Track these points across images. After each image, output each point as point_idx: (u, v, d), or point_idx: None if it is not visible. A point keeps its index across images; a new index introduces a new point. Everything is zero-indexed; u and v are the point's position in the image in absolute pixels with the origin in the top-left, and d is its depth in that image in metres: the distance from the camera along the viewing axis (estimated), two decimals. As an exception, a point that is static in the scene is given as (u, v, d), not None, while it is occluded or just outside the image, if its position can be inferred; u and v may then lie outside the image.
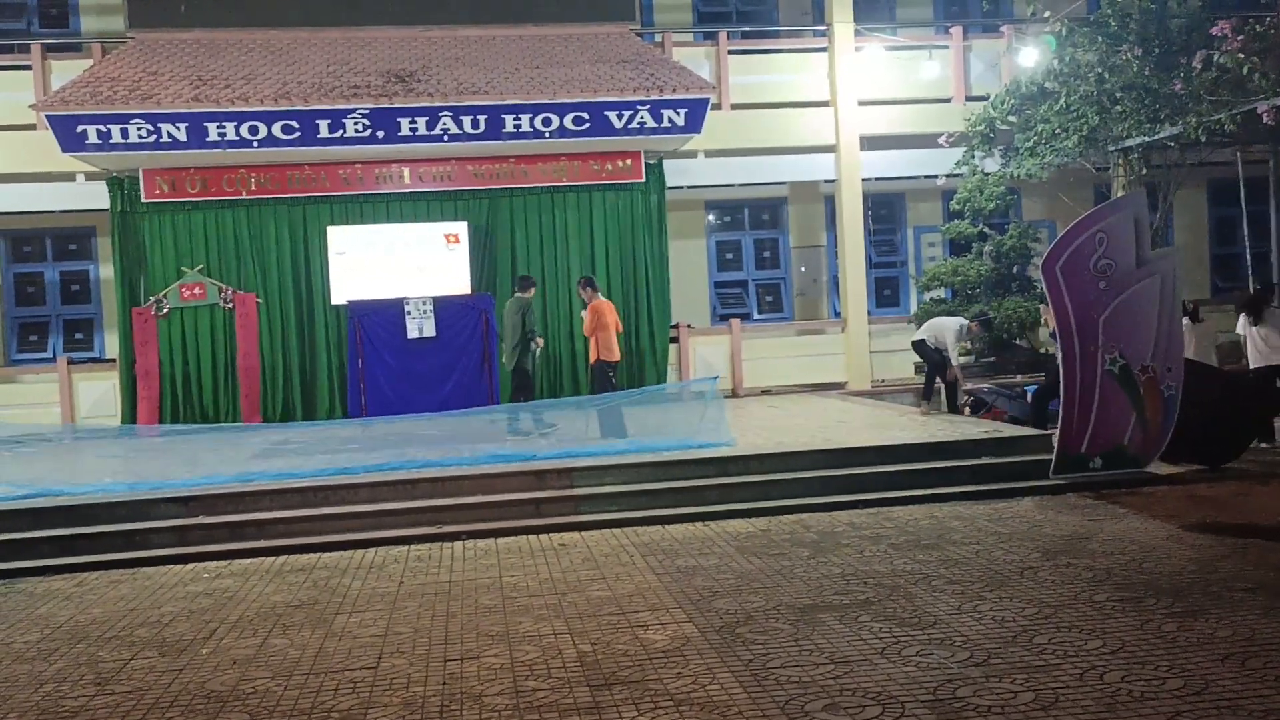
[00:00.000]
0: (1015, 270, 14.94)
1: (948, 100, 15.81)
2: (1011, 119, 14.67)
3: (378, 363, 13.30)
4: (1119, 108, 12.95)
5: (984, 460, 9.47)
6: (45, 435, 12.89)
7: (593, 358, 11.67)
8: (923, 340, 12.67)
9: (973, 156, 14.98)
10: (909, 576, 6.51)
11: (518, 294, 11.97)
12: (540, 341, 12.00)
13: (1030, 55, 14.35)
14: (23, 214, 14.83)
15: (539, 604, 6.37)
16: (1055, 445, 9.30)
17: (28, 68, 14.16)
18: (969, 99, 15.69)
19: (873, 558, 7.06)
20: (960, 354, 14.61)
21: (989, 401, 12.31)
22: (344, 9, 14.77)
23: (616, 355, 11.69)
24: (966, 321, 12.60)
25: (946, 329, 12.43)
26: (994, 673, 4.76)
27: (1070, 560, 6.72)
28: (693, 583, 6.67)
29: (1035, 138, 14.12)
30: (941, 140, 15.29)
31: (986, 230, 15.09)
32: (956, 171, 15.20)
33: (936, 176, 15.95)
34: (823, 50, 15.66)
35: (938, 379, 12.64)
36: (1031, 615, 5.58)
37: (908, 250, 17.53)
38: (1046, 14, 13.95)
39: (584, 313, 11.95)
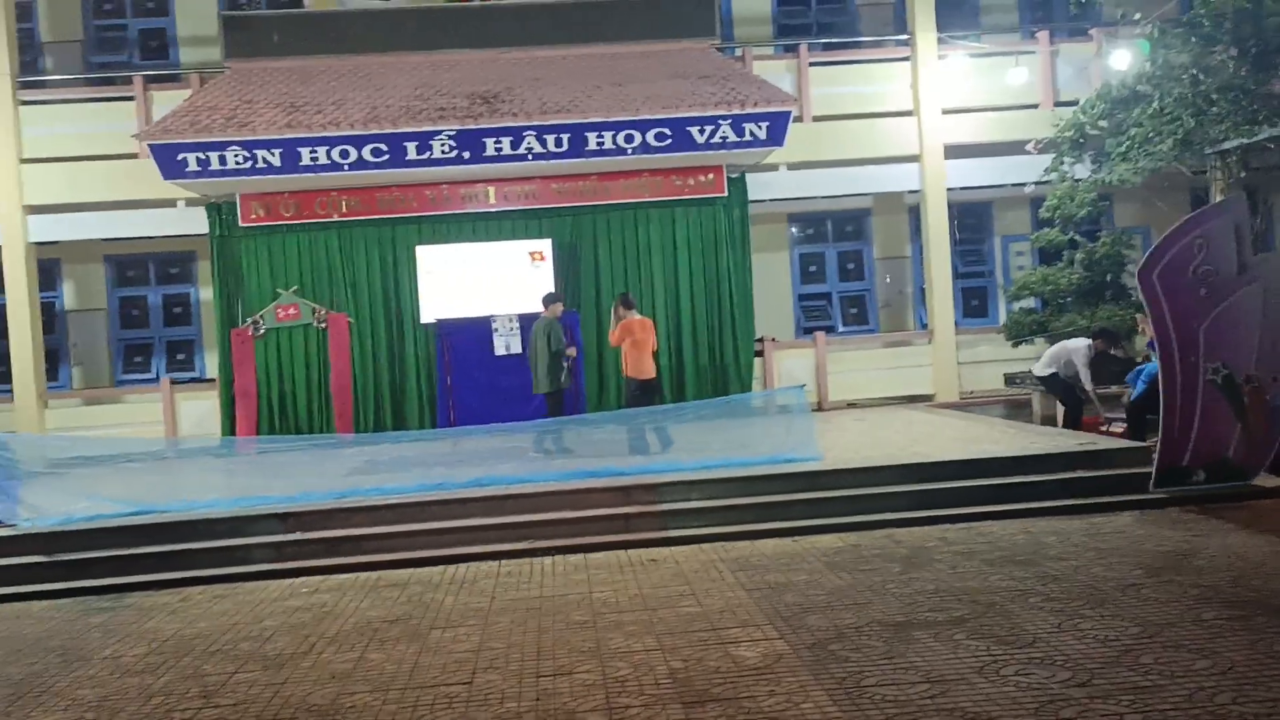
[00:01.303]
0: (1109, 278, 14.56)
1: (1035, 106, 15.52)
2: (1102, 124, 14.36)
3: (466, 380, 13.53)
4: (1215, 109, 12.58)
5: (1079, 474, 9.23)
6: (148, 452, 13.29)
7: (624, 370, 11.64)
8: (1054, 374, 12.13)
9: (1062, 163, 14.69)
10: (1005, 593, 6.38)
11: (543, 314, 11.83)
12: (572, 352, 11.78)
13: (1122, 58, 14.03)
14: (127, 240, 15.43)
15: (629, 620, 6.39)
16: (1155, 458, 9.04)
17: (130, 99, 14.74)
18: (1057, 104, 15.41)
19: (966, 574, 6.94)
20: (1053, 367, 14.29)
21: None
22: (429, 34, 15.09)
23: (644, 373, 11.48)
24: (1090, 340, 12.05)
25: (1075, 353, 11.91)
26: (1098, 694, 4.64)
27: (1174, 577, 6.53)
28: (783, 599, 6.63)
29: (1128, 142, 13.79)
30: (1029, 147, 15.03)
31: (1077, 238, 14.75)
32: (1045, 179, 14.90)
33: (1024, 184, 15.65)
34: (905, 59, 15.51)
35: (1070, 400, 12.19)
36: (1135, 634, 5.43)
37: (995, 260, 17.24)
38: (1137, 16, 13.64)
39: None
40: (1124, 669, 4.94)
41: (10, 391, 14.52)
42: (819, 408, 14.82)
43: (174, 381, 14.93)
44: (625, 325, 11.49)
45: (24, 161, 14.48)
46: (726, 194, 14.63)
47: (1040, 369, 12.45)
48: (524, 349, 13.26)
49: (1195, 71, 12.60)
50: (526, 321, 13.40)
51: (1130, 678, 4.82)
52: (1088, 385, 11.90)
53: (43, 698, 5.65)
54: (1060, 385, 12.19)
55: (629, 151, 13.53)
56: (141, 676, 5.93)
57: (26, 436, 13.31)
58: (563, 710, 4.92)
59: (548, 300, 11.87)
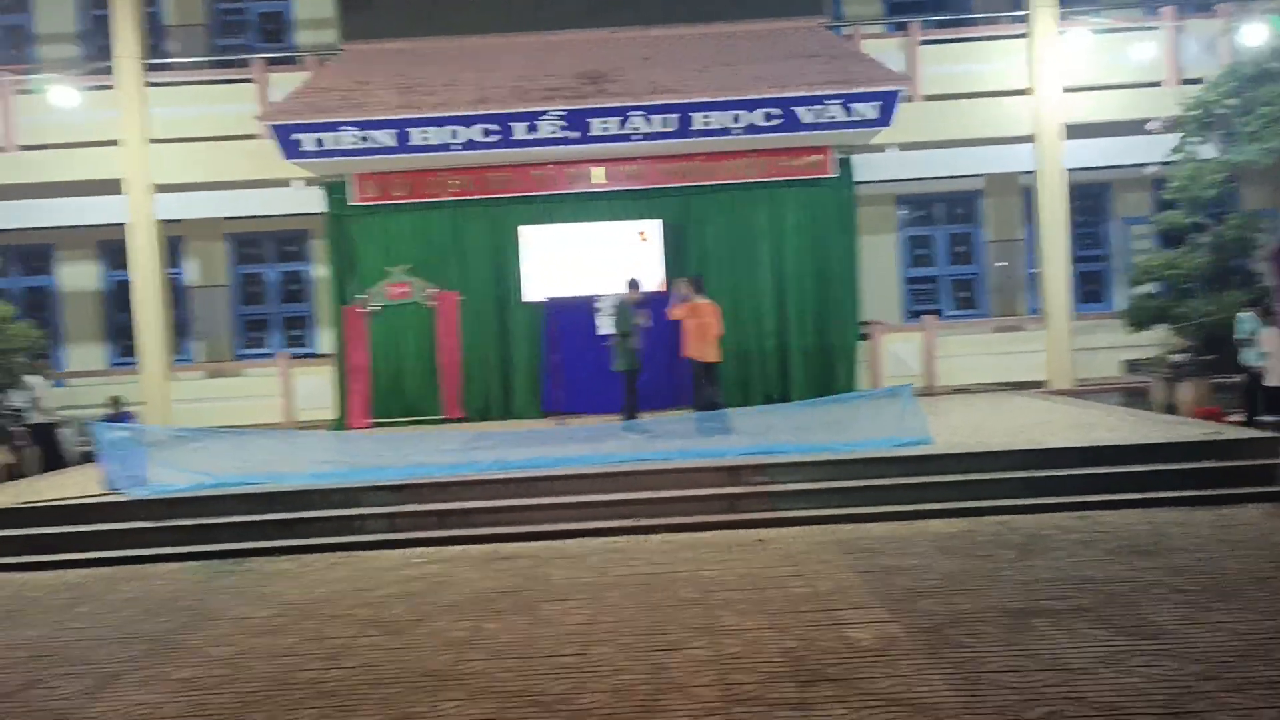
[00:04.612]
0: (1236, 263, 13.99)
1: (1159, 84, 14.97)
2: (1230, 102, 13.76)
3: (572, 358, 13.67)
4: (1352, 86, 11.96)
5: (1205, 464, 8.91)
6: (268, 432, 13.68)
7: (685, 351, 11.70)
8: None
9: (1188, 143, 14.12)
10: (1128, 583, 6.20)
11: (623, 297, 11.98)
12: (642, 318, 11.79)
13: (1252, 33, 13.44)
14: (247, 218, 15.90)
15: (739, 599, 6.39)
16: (1286, 449, 8.68)
17: (250, 81, 15.16)
18: (1182, 82, 14.83)
19: (1086, 563, 6.76)
20: (1176, 351, 13.84)
21: None
22: (539, 14, 15.22)
23: (709, 356, 11.58)
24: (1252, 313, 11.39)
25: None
26: (1230, 687, 4.49)
27: (1310, 571, 6.28)
28: (895, 582, 6.55)
29: (1258, 121, 13.20)
30: (1153, 126, 14.49)
31: (1204, 221, 14.19)
32: (1169, 159, 14.36)
33: (1146, 165, 15.12)
34: (1022, 36, 15.09)
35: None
36: (1269, 628, 5.23)
37: (1113, 243, 16.71)
38: (1271, -12, 13.05)
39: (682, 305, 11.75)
40: (1258, 663, 4.76)
41: (137, 364, 15.12)
42: (927, 392, 14.58)
43: (290, 356, 15.37)
44: (693, 307, 11.54)
45: (151, 142, 15.02)
46: (834, 175, 14.44)
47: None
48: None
49: (1332, 47, 12.00)
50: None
51: (1264, 672, 4.64)
52: None
53: (177, 654, 5.90)
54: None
55: (736, 132, 13.44)
56: (268, 637, 6.13)
57: (152, 428, 13.74)
58: (676, 685, 4.94)
59: (631, 287, 12.05)
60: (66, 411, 13.89)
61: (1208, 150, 14.17)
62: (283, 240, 16.80)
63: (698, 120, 13.37)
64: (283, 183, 14.98)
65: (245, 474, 9.79)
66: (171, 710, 4.99)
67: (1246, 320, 11.77)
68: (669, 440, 10.49)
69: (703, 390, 11.61)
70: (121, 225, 15.08)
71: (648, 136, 13.47)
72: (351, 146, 13.29)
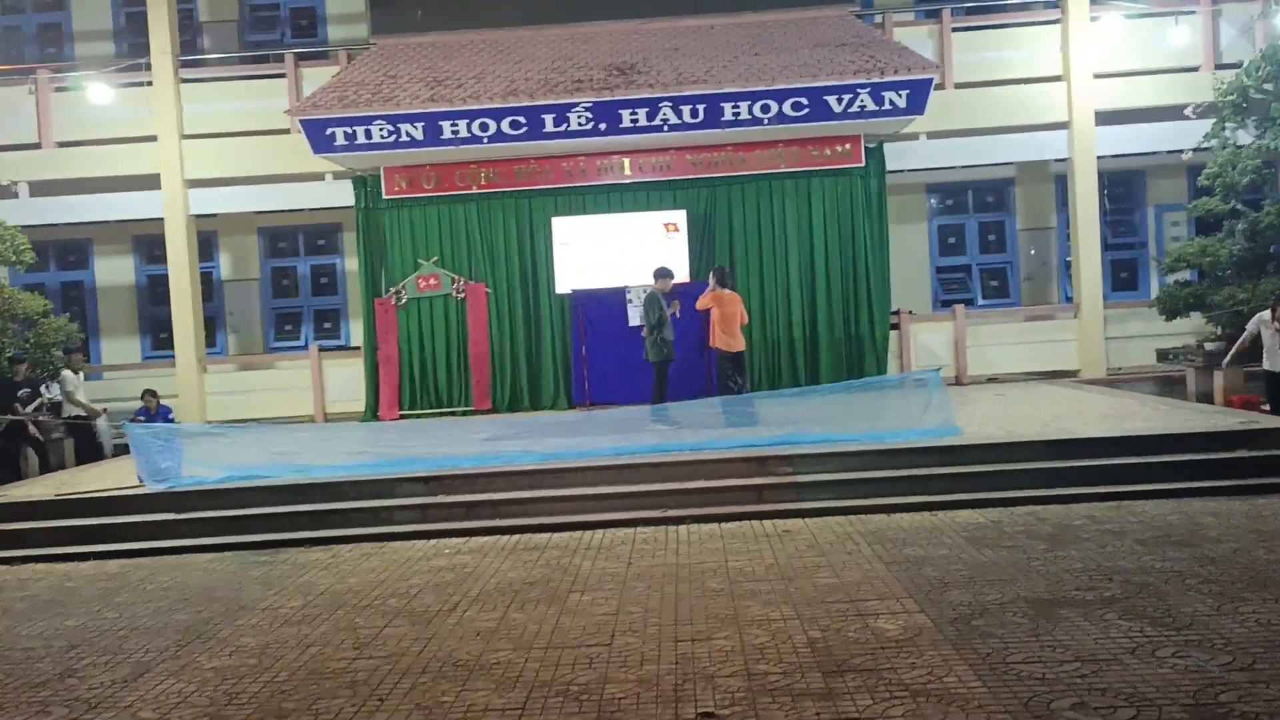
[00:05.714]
0: (1273, 250, 13.79)
1: (1195, 69, 14.77)
2: (1267, 86, 13.56)
3: (600, 350, 13.69)
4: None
5: (1239, 453, 8.82)
6: (300, 425, 13.82)
7: (711, 341, 11.76)
8: None
9: (1224, 128, 13.93)
10: (1159, 574, 6.15)
11: (652, 287, 11.99)
12: (674, 308, 11.86)
13: (1290, 16, 13.24)
14: (279, 212, 16.04)
15: (766, 589, 6.39)
16: (1322, 438, 8.57)
17: (282, 76, 15.29)
18: (1218, 67, 14.62)
19: (1117, 553, 6.71)
20: (1210, 340, 13.69)
21: None
22: (567, 6, 15.26)
23: (734, 346, 11.61)
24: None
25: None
26: (1260, 678, 4.45)
27: (1344, 563, 6.20)
28: (922, 573, 6.53)
29: (1296, 106, 13.00)
30: (1188, 112, 14.30)
31: (1239, 207, 13.99)
32: (1205, 145, 14.16)
33: (1181, 151, 14.92)
34: (1055, 22, 14.94)
35: None
36: (1301, 620, 5.18)
37: (1148, 230, 16.52)
38: (1310, -30, 12.83)
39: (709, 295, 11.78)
40: (1289, 655, 4.72)
41: (173, 357, 15.31)
42: (957, 382, 14.50)
43: (322, 349, 15.50)
44: (716, 297, 11.59)
45: (185, 137, 15.18)
46: (864, 164, 14.35)
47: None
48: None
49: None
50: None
51: (1296, 664, 4.60)
52: None
53: (209, 643, 5.99)
54: None
55: (765, 122, 13.38)
56: (299, 627, 6.21)
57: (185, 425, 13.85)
58: (702, 674, 4.96)
59: (656, 274, 12.03)
60: (102, 404, 14.06)
61: (1244, 136, 13.98)
62: (314, 234, 16.95)
63: (727, 111, 13.32)
64: (315, 177, 15.14)
65: (276, 466, 9.90)
66: (203, 699, 5.07)
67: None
68: (696, 430, 10.50)
69: (728, 380, 11.62)
70: (155, 220, 15.26)
71: (677, 128, 13.43)
72: (381, 140, 13.36)
